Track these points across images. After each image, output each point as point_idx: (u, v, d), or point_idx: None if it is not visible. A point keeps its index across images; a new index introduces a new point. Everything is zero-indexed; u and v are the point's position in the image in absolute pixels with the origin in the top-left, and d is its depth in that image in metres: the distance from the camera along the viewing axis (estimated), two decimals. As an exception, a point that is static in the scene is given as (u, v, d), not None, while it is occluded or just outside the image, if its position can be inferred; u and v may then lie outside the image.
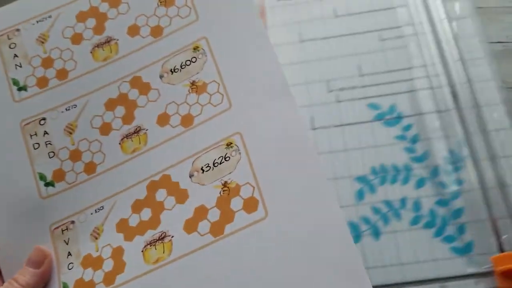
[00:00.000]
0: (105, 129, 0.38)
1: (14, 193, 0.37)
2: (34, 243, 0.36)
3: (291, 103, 0.36)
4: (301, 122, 0.36)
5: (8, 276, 0.36)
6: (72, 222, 0.37)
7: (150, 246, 0.35)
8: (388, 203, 0.44)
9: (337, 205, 0.33)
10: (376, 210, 0.44)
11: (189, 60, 0.39)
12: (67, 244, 0.36)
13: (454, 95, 0.47)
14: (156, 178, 0.36)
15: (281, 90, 0.37)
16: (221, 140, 0.36)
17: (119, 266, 0.35)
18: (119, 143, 0.38)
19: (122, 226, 0.36)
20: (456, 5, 0.52)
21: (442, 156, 0.44)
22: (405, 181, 0.43)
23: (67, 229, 0.37)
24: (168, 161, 0.37)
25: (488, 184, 0.42)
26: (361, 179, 0.45)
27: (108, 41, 0.41)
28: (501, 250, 0.39)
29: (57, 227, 0.37)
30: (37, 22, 0.42)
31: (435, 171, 0.44)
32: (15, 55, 0.41)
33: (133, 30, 0.41)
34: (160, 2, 0.41)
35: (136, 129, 0.38)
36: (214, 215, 0.34)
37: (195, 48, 0.39)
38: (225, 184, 0.35)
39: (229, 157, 0.36)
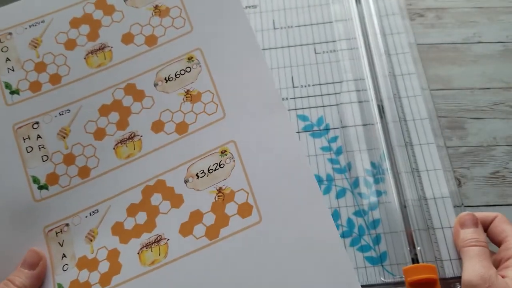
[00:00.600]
0: (99, 134, 0.40)
1: (7, 196, 0.39)
2: (28, 245, 0.38)
3: (283, 114, 0.39)
4: (293, 132, 0.39)
5: (1, 277, 0.37)
6: (67, 224, 0.38)
7: (146, 248, 0.37)
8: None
9: (326, 209, 0.36)
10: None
11: (183, 70, 0.41)
12: (61, 246, 0.38)
13: (381, 109, 0.48)
14: (151, 183, 0.38)
15: (273, 102, 0.40)
16: (215, 147, 0.39)
17: (115, 268, 0.36)
18: (113, 148, 0.40)
19: (118, 229, 0.38)
20: (391, 20, 0.55)
21: (364, 168, 0.46)
22: (327, 191, 0.45)
23: (61, 231, 0.38)
24: (163, 167, 0.39)
25: (406, 196, 0.43)
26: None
27: (102, 48, 0.42)
28: (415, 261, 0.40)
29: (51, 230, 0.38)
30: (30, 26, 0.43)
31: (356, 183, 0.45)
32: (7, 59, 0.42)
33: (128, 38, 0.43)
34: (155, 12, 0.43)
35: (131, 135, 0.40)
36: (209, 219, 0.37)
37: (190, 59, 0.42)
38: (220, 190, 0.38)
39: (223, 164, 0.38)
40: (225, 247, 0.36)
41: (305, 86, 0.51)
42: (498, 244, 0.38)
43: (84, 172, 0.39)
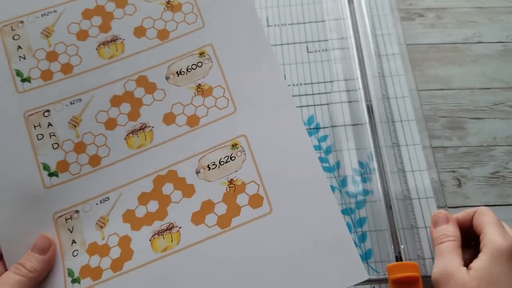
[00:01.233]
0: (111, 124, 0.42)
1: (18, 182, 0.40)
2: (37, 231, 0.39)
3: (293, 109, 0.42)
4: (302, 127, 0.41)
5: (11, 261, 0.38)
6: (76, 211, 0.40)
7: (158, 235, 0.38)
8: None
9: (334, 201, 0.39)
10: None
11: (195, 64, 0.43)
12: (71, 232, 0.39)
13: (370, 110, 0.50)
14: (163, 173, 0.40)
15: (284, 97, 0.42)
16: (226, 141, 0.41)
17: (127, 254, 0.38)
18: (125, 138, 0.41)
19: (129, 216, 0.39)
20: (383, 21, 0.57)
21: (352, 167, 0.48)
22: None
23: (71, 218, 0.40)
24: (174, 158, 0.41)
25: (392, 196, 0.45)
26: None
27: (114, 39, 0.44)
28: (399, 259, 0.43)
29: (60, 216, 0.40)
30: (42, 15, 0.45)
31: (344, 181, 0.48)
32: (19, 47, 0.44)
33: (140, 31, 0.44)
34: (167, 7, 0.45)
35: (142, 126, 0.42)
36: (221, 209, 0.39)
37: (201, 54, 0.44)
38: (231, 182, 0.40)
39: (234, 157, 0.40)
40: (237, 236, 0.38)
41: (297, 84, 0.54)
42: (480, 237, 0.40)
43: (95, 160, 0.41)
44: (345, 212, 0.47)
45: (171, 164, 0.40)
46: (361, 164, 0.48)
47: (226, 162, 0.40)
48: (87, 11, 0.45)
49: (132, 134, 0.41)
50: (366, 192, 0.47)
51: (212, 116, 0.42)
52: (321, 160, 0.49)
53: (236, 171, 0.40)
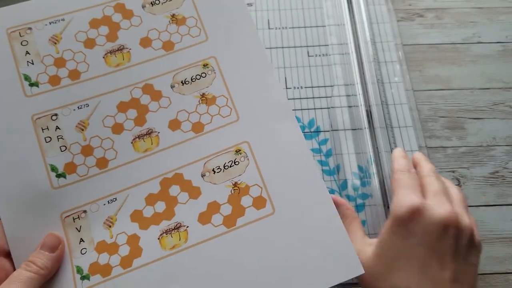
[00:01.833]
0: (117, 128, 0.44)
1: (26, 182, 0.42)
2: (45, 230, 0.41)
3: (291, 117, 0.45)
4: (300, 134, 0.45)
5: (18, 259, 0.40)
6: (84, 211, 0.42)
7: (166, 234, 0.41)
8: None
9: (331, 202, 0.42)
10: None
11: (199, 75, 0.47)
12: (78, 231, 0.41)
13: (369, 115, 0.51)
14: (169, 175, 0.43)
15: (282, 107, 0.46)
16: (230, 147, 0.44)
17: (136, 251, 0.40)
18: (131, 142, 0.44)
19: (137, 216, 0.42)
20: (381, 28, 0.59)
21: (352, 171, 0.51)
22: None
23: (78, 217, 0.42)
24: (180, 162, 0.44)
25: (390, 200, 0.46)
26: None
27: (120, 49, 0.47)
28: None
29: (68, 216, 0.42)
30: (50, 23, 0.47)
31: (344, 185, 0.50)
32: (27, 52, 0.46)
33: (145, 42, 0.47)
34: (172, 20, 0.49)
35: (148, 131, 0.44)
36: (226, 209, 0.42)
37: (205, 65, 0.47)
38: (235, 184, 0.43)
39: (238, 161, 0.44)
40: (242, 234, 0.41)
41: (298, 88, 0.56)
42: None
43: (102, 163, 0.43)
44: (345, 215, 0.48)
45: (177, 168, 0.43)
46: (360, 168, 0.51)
47: (230, 167, 0.43)
48: (95, 20, 0.47)
49: (139, 139, 0.44)
50: (365, 196, 0.50)
51: (216, 123, 0.45)
52: (322, 163, 0.52)
53: (240, 175, 0.43)
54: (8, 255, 0.40)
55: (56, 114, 0.44)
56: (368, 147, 0.51)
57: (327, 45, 0.58)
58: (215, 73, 0.47)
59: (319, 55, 0.58)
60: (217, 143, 0.44)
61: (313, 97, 0.55)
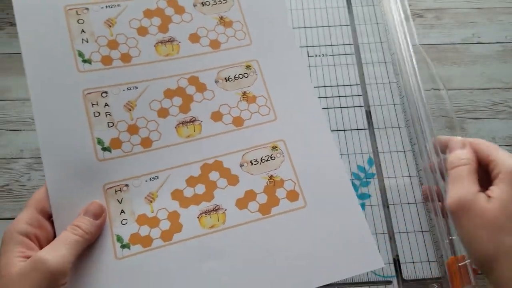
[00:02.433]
0: (163, 113, 0.48)
1: (73, 152, 0.45)
2: (87, 199, 0.43)
3: (323, 120, 0.50)
4: (331, 137, 0.49)
5: (60, 224, 0.42)
6: (126, 185, 0.45)
7: (205, 214, 0.44)
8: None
9: (356, 200, 0.47)
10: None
11: (241, 74, 0.51)
12: (120, 203, 0.44)
13: (369, 115, 0.54)
14: (210, 161, 0.47)
15: (316, 110, 0.50)
16: (267, 143, 0.48)
17: (176, 227, 0.44)
18: (175, 127, 0.47)
19: (177, 195, 0.45)
20: (381, 28, 0.60)
21: (352, 171, 0.53)
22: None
23: (120, 190, 0.45)
24: (220, 150, 0.47)
25: (390, 199, 0.51)
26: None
27: (170, 40, 0.51)
28: (396, 262, 0.48)
29: (110, 187, 0.44)
30: (106, 7, 0.51)
31: None
32: (82, 30, 0.49)
33: (194, 38, 0.51)
34: (220, 22, 0.53)
35: (192, 119, 0.48)
36: (262, 198, 0.46)
37: (248, 67, 0.51)
38: (271, 177, 0.47)
39: (274, 157, 0.48)
40: (275, 222, 0.45)
41: None
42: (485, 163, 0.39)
43: (146, 142, 0.46)
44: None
45: (217, 155, 0.47)
46: (360, 168, 0.54)
47: (267, 160, 0.47)
48: (148, 11, 0.51)
49: (182, 125, 0.48)
50: (365, 196, 0.52)
51: (255, 120, 0.49)
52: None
53: (275, 169, 0.47)
54: (50, 217, 0.42)
55: (106, 92, 0.47)
56: (368, 147, 0.54)
57: (327, 45, 0.60)
58: (256, 75, 0.51)
59: (319, 56, 0.60)
60: (255, 138, 0.48)
61: (317, 97, 0.57)
